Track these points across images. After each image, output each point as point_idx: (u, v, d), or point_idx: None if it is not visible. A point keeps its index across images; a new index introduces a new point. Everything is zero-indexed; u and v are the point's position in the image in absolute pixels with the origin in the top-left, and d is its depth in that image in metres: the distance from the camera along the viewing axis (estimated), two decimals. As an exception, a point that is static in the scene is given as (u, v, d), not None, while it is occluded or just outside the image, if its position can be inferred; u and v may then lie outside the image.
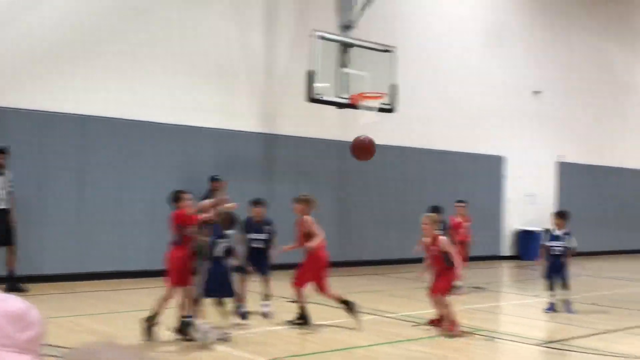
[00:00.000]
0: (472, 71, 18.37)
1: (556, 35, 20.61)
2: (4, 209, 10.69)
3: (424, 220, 8.40)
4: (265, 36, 14.45)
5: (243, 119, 14.07)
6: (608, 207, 21.63)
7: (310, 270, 8.51)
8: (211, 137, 13.64)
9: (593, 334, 8.76)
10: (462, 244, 12.06)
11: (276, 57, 14.57)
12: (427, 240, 8.29)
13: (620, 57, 22.74)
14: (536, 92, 19.87)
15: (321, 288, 8.49)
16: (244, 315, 8.49)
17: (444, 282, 8.19)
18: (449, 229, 11.86)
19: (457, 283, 9.17)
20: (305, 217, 8.55)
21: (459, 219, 12.62)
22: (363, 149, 10.22)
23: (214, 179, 12.22)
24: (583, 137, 21.33)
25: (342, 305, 8.51)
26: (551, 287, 10.08)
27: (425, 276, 8.74)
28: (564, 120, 20.73)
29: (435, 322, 8.48)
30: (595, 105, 21.79)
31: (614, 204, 21.67)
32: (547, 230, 10.01)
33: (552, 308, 10.06)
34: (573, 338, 8.52)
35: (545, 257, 10.09)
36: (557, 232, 10.10)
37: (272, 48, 14.53)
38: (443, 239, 8.29)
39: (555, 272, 9.96)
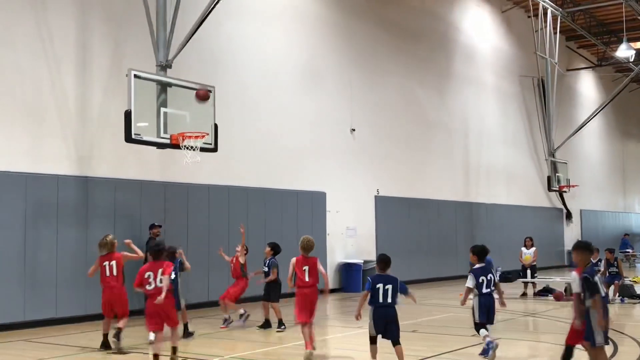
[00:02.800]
0: (291, 110, 18.81)
1: (369, 76, 21.72)
2: None
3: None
4: (77, 74, 13.81)
5: (54, 162, 13.26)
6: (420, 236, 22.93)
7: None
8: (18, 182, 12.68)
9: (413, 361, 9.15)
10: None
11: (90, 96, 13.97)
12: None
13: (427, 97, 24.42)
14: (352, 130, 20.76)
15: None
16: None
17: None
18: None
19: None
20: None
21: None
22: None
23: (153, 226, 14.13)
24: (396, 171, 22.54)
25: None
26: None
27: None
28: (378, 156, 21.80)
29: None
30: (406, 141, 23.17)
31: (424, 234, 22.98)
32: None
33: None
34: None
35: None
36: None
37: (85, 87, 13.91)
38: None
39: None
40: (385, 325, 8.17)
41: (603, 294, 7.47)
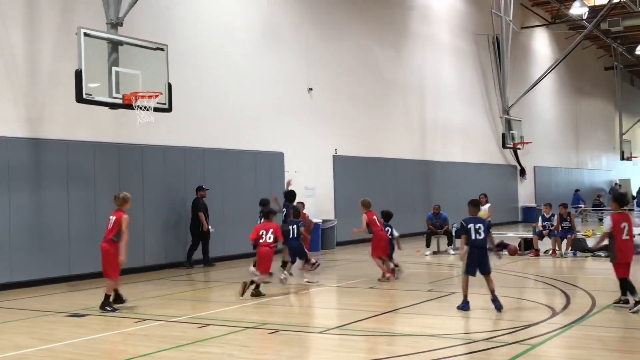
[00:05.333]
0: (247, 69, 18.57)
1: (327, 35, 21.53)
2: None
3: None
4: (25, 33, 13.36)
5: (3, 123, 12.86)
6: (378, 195, 23.03)
7: None
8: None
9: (370, 317, 9.29)
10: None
11: (40, 56, 13.54)
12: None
13: (384, 56, 24.37)
14: (310, 89, 20.63)
15: None
16: None
17: None
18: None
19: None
20: None
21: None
22: None
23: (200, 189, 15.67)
24: (353, 130, 22.55)
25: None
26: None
27: None
28: (336, 115, 21.76)
29: None
30: (363, 100, 23.15)
31: (382, 192, 23.14)
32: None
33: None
34: (353, 322, 8.94)
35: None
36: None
37: (34, 46, 13.46)
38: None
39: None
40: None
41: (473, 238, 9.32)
